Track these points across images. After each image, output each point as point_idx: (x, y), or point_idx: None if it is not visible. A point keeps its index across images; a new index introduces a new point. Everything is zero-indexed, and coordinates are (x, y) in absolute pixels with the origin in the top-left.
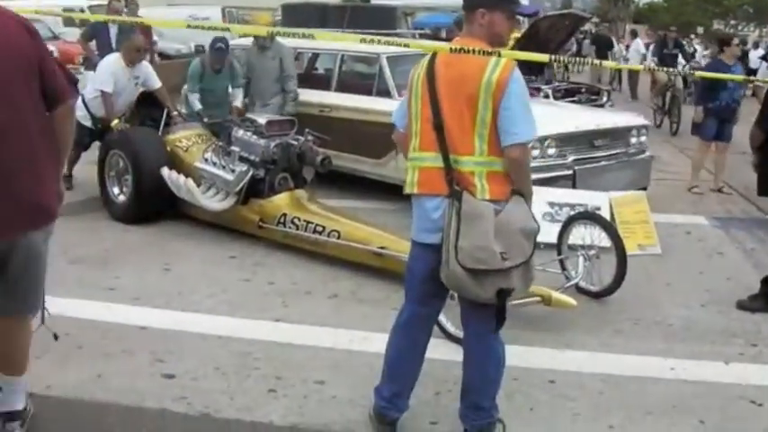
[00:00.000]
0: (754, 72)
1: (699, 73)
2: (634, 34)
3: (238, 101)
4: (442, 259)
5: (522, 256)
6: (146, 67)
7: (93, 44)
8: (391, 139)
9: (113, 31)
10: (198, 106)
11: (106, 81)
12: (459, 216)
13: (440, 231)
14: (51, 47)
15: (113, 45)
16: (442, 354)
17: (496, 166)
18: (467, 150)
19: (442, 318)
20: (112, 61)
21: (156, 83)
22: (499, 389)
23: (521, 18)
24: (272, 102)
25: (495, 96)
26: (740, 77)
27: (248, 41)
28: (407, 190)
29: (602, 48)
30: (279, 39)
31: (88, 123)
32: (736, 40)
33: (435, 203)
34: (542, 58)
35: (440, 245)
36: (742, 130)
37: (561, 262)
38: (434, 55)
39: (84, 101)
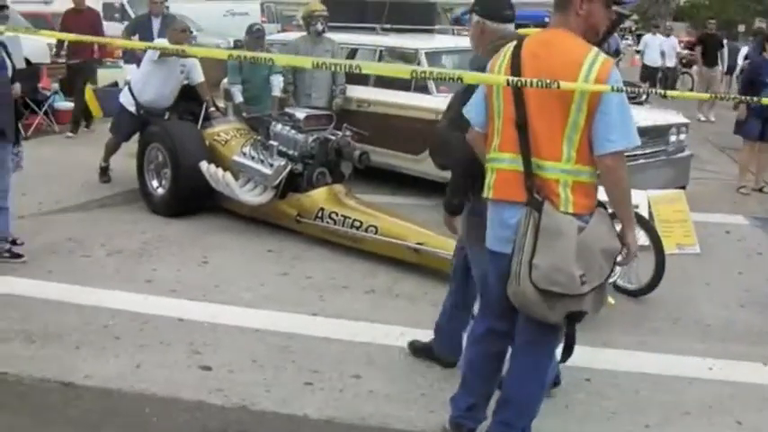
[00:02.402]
0: None
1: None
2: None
3: (277, 90)
4: (510, 272)
5: (599, 278)
6: (192, 58)
7: (135, 38)
8: (428, 134)
9: (156, 25)
10: (240, 98)
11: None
12: (537, 230)
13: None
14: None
15: (155, 40)
16: None
17: (584, 175)
18: (553, 155)
19: None
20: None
21: (200, 76)
22: (537, 414)
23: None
24: (323, 94)
25: (592, 98)
26: None
27: (284, 36)
28: (484, 194)
29: (712, 49)
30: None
31: (132, 109)
32: None
33: (512, 211)
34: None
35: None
36: None
37: None
38: (519, 44)
39: (129, 88)
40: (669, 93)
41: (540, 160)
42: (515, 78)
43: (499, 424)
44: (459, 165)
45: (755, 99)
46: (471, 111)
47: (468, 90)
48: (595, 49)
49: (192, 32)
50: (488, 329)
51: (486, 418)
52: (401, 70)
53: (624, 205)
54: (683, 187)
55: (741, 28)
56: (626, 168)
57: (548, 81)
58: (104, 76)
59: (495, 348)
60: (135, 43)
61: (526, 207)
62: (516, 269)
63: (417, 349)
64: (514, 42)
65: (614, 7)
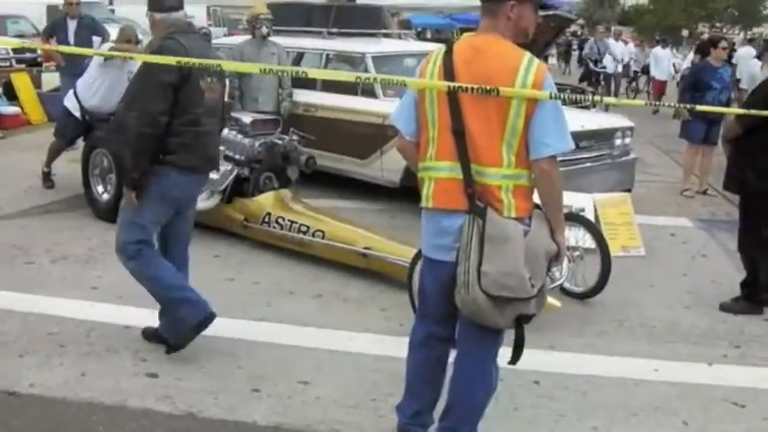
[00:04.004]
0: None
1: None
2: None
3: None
4: (457, 281)
5: (541, 279)
6: (140, 63)
7: (53, 41)
8: (376, 139)
9: (71, 27)
10: None
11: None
12: (482, 237)
13: (456, 249)
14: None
15: (71, 41)
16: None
17: (522, 179)
18: (493, 161)
19: None
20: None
21: None
22: (481, 418)
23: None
24: (271, 98)
25: (529, 103)
26: None
27: (231, 40)
28: (422, 204)
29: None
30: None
31: (77, 114)
32: (723, 43)
33: (452, 219)
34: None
35: (455, 263)
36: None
37: None
38: (450, 49)
39: (75, 92)
40: (606, 100)
41: (481, 167)
42: (456, 84)
43: (445, 429)
44: (133, 142)
45: (689, 106)
46: (400, 119)
47: (148, 68)
48: (528, 54)
49: (139, 42)
50: (428, 335)
51: (434, 421)
52: (347, 75)
53: (557, 208)
54: (629, 190)
55: (685, 33)
56: (560, 172)
57: (488, 87)
58: (49, 80)
59: (436, 353)
60: (87, 51)
61: (468, 215)
62: (464, 278)
63: (149, 335)
64: (443, 48)
65: (556, 11)
